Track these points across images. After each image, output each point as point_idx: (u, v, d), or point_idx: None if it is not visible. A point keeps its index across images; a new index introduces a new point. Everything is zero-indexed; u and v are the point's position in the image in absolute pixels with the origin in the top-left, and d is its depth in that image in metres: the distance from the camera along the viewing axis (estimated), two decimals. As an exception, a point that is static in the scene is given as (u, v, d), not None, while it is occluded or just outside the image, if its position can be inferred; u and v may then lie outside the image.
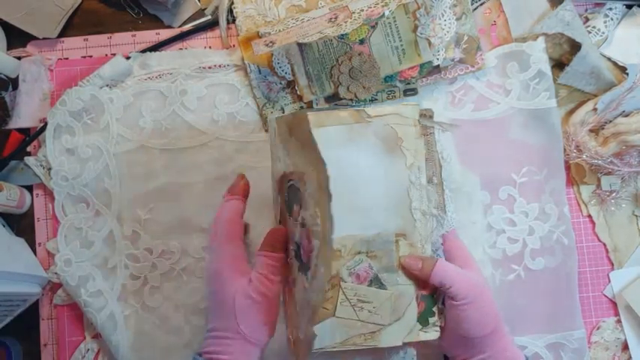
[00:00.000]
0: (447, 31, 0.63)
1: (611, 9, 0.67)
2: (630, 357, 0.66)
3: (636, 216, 0.67)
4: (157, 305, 0.65)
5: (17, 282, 0.61)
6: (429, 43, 0.63)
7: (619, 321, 0.66)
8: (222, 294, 0.52)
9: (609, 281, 0.67)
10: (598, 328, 0.66)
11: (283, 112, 0.65)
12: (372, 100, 0.64)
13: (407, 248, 0.52)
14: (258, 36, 0.63)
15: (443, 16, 0.63)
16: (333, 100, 0.64)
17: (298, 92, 0.64)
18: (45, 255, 0.67)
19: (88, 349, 0.66)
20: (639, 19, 0.66)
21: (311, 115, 0.48)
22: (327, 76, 0.63)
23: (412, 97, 0.65)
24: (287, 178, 0.53)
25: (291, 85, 0.65)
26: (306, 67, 0.64)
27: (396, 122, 0.51)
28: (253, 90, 0.65)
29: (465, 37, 0.64)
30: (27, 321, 0.66)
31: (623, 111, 0.65)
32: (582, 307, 0.66)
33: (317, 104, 0.64)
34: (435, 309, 0.53)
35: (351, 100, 0.64)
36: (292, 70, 0.64)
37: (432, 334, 0.53)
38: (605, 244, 0.67)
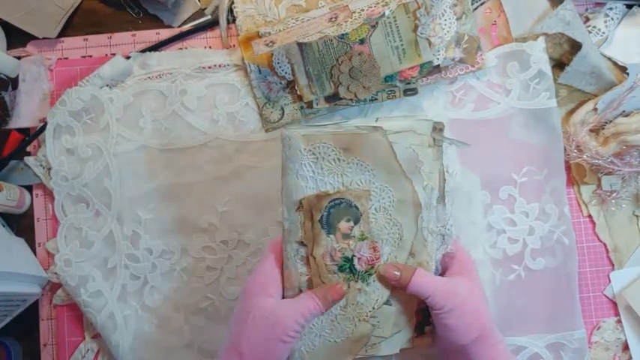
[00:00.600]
0: (448, 31, 0.63)
1: (611, 9, 0.67)
2: (630, 357, 0.66)
3: (637, 216, 0.67)
4: (157, 305, 0.65)
5: (17, 282, 0.61)
6: (429, 43, 0.63)
7: (619, 321, 0.66)
8: (241, 308, 0.51)
9: (609, 281, 0.67)
10: (598, 328, 0.66)
11: (283, 112, 0.65)
12: (372, 100, 0.64)
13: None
14: (258, 36, 0.63)
15: (443, 15, 0.63)
16: (333, 99, 0.64)
17: (298, 92, 0.64)
18: (45, 255, 0.67)
19: (88, 349, 0.66)
20: (639, 19, 0.66)
21: (384, 136, 0.52)
22: (327, 75, 0.63)
23: (412, 97, 0.65)
24: (331, 198, 0.53)
25: (291, 84, 0.65)
26: (306, 67, 0.63)
27: (416, 144, 0.53)
28: (253, 90, 0.65)
29: (466, 37, 0.64)
30: (27, 321, 0.66)
31: (624, 111, 0.65)
32: (582, 307, 0.66)
33: (317, 104, 0.64)
34: (430, 319, 0.55)
35: (351, 100, 0.63)
36: (292, 69, 0.64)
37: (426, 341, 0.55)
38: (605, 244, 0.67)
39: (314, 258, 0.53)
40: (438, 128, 0.55)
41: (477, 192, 0.66)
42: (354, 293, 0.54)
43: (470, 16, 0.64)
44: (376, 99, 0.64)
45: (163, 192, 0.66)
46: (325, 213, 0.53)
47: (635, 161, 0.65)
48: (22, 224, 0.68)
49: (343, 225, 0.54)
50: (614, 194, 0.66)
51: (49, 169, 0.66)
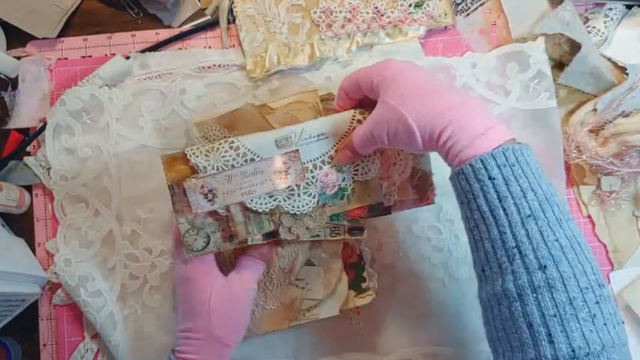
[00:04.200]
0: (403, 171, 0.56)
1: (611, 9, 0.67)
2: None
3: (636, 216, 0.67)
4: (157, 305, 0.65)
5: (16, 282, 0.61)
6: (381, 185, 0.56)
7: (619, 321, 0.66)
8: (194, 296, 0.54)
9: (609, 282, 0.67)
10: (598, 329, 0.66)
11: (208, 240, 0.55)
12: (315, 237, 0.57)
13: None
14: (185, 156, 0.53)
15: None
16: (272, 236, 0.56)
17: (232, 229, 0.54)
18: (44, 255, 0.67)
19: (87, 349, 0.66)
20: (639, 19, 0.66)
21: (253, 107, 0.58)
22: (266, 214, 0.55)
23: (358, 236, 0.58)
24: None
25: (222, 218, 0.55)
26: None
27: (297, 109, 0.57)
28: (176, 214, 0.54)
29: (419, 173, 0.57)
30: (26, 321, 0.66)
31: (623, 111, 0.65)
32: (582, 307, 0.65)
33: (252, 241, 0.55)
34: (365, 274, 0.59)
35: (292, 241, 0.57)
36: (227, 205, 0.54)
37: (367, 298, 0.59)
38: (605, 245, 0.67)
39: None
40: (331, 99, 0.59)
41: (476, 192, 0.65)
42: (273, 259, 0.59)
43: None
44: (319, 236, 0.57)
45: (163, 192, 0.65)
46: None
47: (635, 162, 0.65)
48: (21, 224, 0.68)
49: None
50: (614, 195, 0.66)
51: (49, 168, 0.66)
